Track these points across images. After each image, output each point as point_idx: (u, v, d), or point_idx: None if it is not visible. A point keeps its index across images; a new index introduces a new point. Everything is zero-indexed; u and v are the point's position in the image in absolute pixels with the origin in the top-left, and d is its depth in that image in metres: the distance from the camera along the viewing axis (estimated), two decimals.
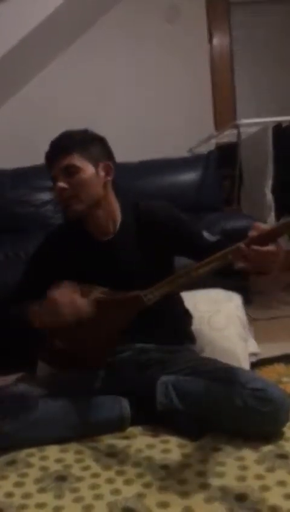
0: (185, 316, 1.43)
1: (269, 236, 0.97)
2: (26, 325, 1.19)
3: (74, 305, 1.13)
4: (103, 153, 1.26)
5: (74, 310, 1.13)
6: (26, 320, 1.18)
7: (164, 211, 1.30)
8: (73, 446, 1.17)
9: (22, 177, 2.39)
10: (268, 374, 1.51)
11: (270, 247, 0.97)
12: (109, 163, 1.26)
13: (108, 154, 1.28)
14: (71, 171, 1.21)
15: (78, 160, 1.21)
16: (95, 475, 1.06)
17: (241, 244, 0.98)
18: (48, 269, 1.30)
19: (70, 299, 1.13)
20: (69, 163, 1.21)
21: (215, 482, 1.00)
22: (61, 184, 1.21)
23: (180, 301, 1.43)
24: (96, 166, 1.24)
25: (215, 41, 2.96)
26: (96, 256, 1.27)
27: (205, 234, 1.28)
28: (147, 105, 2.86)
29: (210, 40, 2.95)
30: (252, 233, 0.99)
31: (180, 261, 1.34)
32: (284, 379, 1.48)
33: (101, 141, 1.28)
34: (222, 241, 1.26)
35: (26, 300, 1.23)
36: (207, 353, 1.45)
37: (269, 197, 2.16)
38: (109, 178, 1.27)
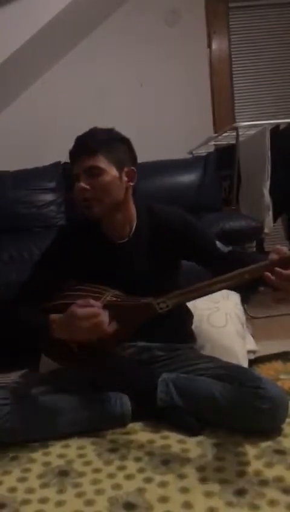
0: (187, 315, 1.45)
1: None
2: (39, 331, 1.16)
3: (97, 328, 1.07)
4: (127, 155, 1.24)
5: (97, 333, 1.08)
6: (41, 326, 1.15)
7: (177, 216, 1.29)
8: (75, 442, 1.18)
9: (24, 178, 2.40)
10: (266, 371, 1.53)
11: None
12: (133, 168, 1.25)
13: (132, 157, 1.26)
14: (95, 173, 1.18)
15: (103, 162, 1.19)
16: (97, 470, 1.07)
17: (261, 266, 0.97)
18: (59, 267, 1.28)
19: (95, 322, 1.07)
20: (93, 164, 1.18)
21: (214, 477, 1.01)
22: (83, 185, 1.18)
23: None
24: (120, 170, 1.22)
25: (214, 45, 2.98)
26: (110, 258, 1.27)
27: (218, 244, 1.27)
28: (148, 108, 2.87)
29: (209, 44, 2.97)
30: (274, 256, 0.98)
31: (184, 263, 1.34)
32: (282, 376, 1.49)
33: (126, 143, 1.26)
34: (234, 252, 1.26)
35: (35, 299, 1.23)
36: (206, 350, 1.47)
37: (267, 197, 2.18)
38: (131, 183, 1.25)
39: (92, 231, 1.29)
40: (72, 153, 1.22)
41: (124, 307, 1.15)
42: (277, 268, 0.96)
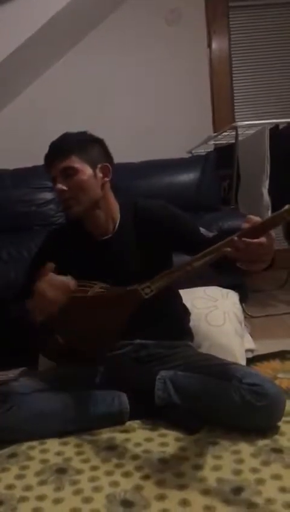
0: (184, 313, 1.45)
1: (262, 229, 0.98)
2: (27, 321, 1.19)
3: (54, 285, 1.12)
4: (101, 154, 1.28)
5: (56, 289, 1.12)
6: (26, 316, 1.18)
7: (160, 208, 1.32)
8: (73, 439, 1.18)
9: (23, 176, 2.40)
10: (264, 369, 1.54)
11: (262, 239, 0.98)
12: (107, 164, 1.28)
13: (106, 155, 1.30)
14: (69, 173, 1.23)
15: (76, 162, 1.23)
16: (95, 468, 1.07)
17: (234, 237, 0.99)
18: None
19: (55, 281, 1.12)
20: (67, 165, 1.23)
21: (211, 475, 1.01)
22: (60, 186, 1.24)
23: (179, 298, 1.45)
24: (94, 167, 1.26)
25: (214, 44, 2.98)
26: (95, 255, 1.29)
27: (202, 230, 1.30)
28: (148, 107, 2.88)
29: (209, 44, 2.98)
30: (245, 225, 1.00)
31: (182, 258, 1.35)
32: (280, 375, 1.50)
33: (99, 143, 1.30)
34: (218, 236, 1.26)
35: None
36: (204, 349, 1.47)
37: (266, 196, 2.18)
38: (107, 179, 1.28)
39: (77, 230, 1.32)
40: (47, 158, 1.27)
41: (111, 297, 1.18)
42: (245, 238, 0.97)
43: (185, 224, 1.32)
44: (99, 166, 1.26)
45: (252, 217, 1.01)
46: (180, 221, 1.32)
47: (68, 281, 1.13)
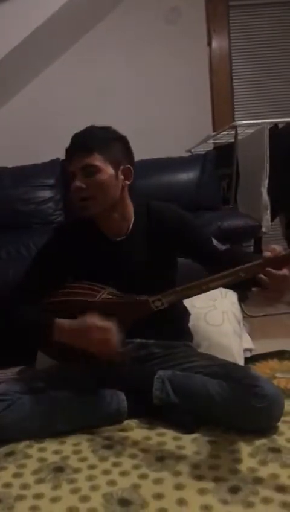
0: (184, 313, 1.45)
1: (284, 260, 0.97)
2: (42, 331, 1.18)
3: (106, 344, 1.12)
4: (124, 155, 1.24)
5: (104, 348, 1.12)
6: (42, 328, 1.17)
7: (173, 213, 1.30)
8: (71, 438, 1.18)
9: (22, 175, 2.40)
10: (262, 369, 1.54)
11: (285, 271, 0.96)
12: (130, 166, 1.25)
13: (129, 156, 1.26)
14: (91, 171, 1.18)
15: (99, 161, 1.18)
16: (92, 466, 1.07)
17: (255, 265, 0.97)
18: (56, 265, 1.29)
19: (107, 338, 1.11)
20: (89, 162, 1.18)
21: (209, 474, 1.01)
22: (79, 183, 1.19)
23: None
24: (116, 168, 1.22)
25: (214, 43, 2.98)
26: (107, 255, 1.27)
27: (215, 242, 1.28)
28: (147, 106, 2.87)
29: (209, 43, 2.97)
30: (267, 254, 0.98)
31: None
32: (278, 375, 1.50)
33: (122, 141, 1.26)
34: (230, 250, 1.26)
35: (32, 296, 1.23)
36: (203, 348, 1.47)
37: (265, 196, 2.18)
38: (128, 182, 1.25)
39: (89, 229, 1.29)
40: (69, 151, 1.22)
41: (119, 305, 1.16)
42: (269, 269, 0.96)
43: (196, 231, 1.30)
44: (121, 168, 1.22)
45: (274, 246, 1.00)
46: (192, 228, 1.30)
47: (117, 342, 1.12)
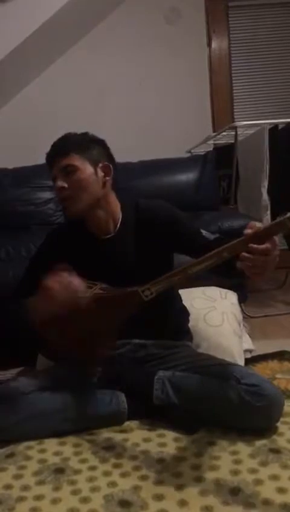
0: (183, 313, 1.45)
1: (265, 235, 0.98)
2: (25, 320, 1.18)
3: (70, 290, 1.10)
4: (102, 154, 1.28)
5: (72, 294, 1.10)
6: (25, 314, 1.17)
7: (162, 209, 1.32)
8: (71, 439, 1.18)
9: (22, 176, 2.41)
10: (262, 370, 1.54)
11: (267, 245, 0.97)
12: (108, 164, 1.28)
13: (107, 156, 1.30)
14: (70, 170, 1.23)
15: (76, 160, 1.24)
16: (92, 468, 1.07)
17: (237, 242, 0.98)
18: (48, 266, 1.29)
19: (65, 282, 1.10)
20: (67, 163, 1.23)
21: (209, 475, 1.01)
22: (60, 183, 1.23)
23: (179, 299, 1.45)
24: (95, 166, 1.26)
25: (214, 44, 2.98)
26: (96, 254, 1.29)
27: (204, 232, 1.30)
28: (147, 106, 2.88)
29: (209, 43, 2.97)
30: (248, 231, 0.99)
31: (181, 258, 1.35)
32: (278, 375, 1.50)
33: (100, 143, 1.30)
34: (220, 239, 1.26)
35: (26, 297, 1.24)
36: (203, 349, 1.47)
37: (265, 196, 2.18)
38: (108, 178, 1.28)
39: (78, 229, 1.32)
40: (48, 157, 1.28)
41: (110, 298, 1.17)
42: (252, 244, 0.97)
43: (186, 225, 1.32)
44: (100, 165, 1.27)
45: (254, 222, 1.01)
46: (181, 222, 1.32)
47: (78, 282, 1.11)
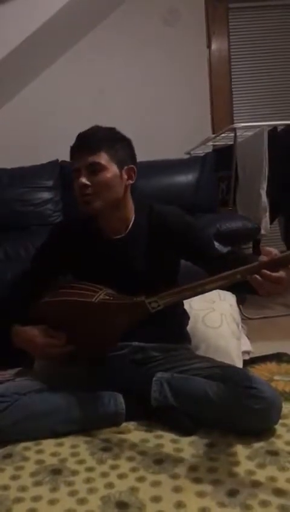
0: (183, 316, 1.45)
1: (280, 263, 0.98)
2: (24, 321, 1.22)
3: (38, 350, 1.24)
4: (128, 155, 1.26)
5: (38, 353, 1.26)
6: (23, 315, 1.22)
7: (176, 216, 1.30)
8: (68, 440, 1.18)
9: (21, 176, 2.40)
10: (260, 372, 1.54)
11: (281, 273, 0.97)
12: (133, 166, 1.27)
13: (132, 157, 1.28)
14: (96, 169, 1.20)
15: (104, 159, 1.21)
16: (90, 469, 1.07)
17: (251, 267, 0.98)
18: (54, 260, 1.31)
19: (34, 344, 1.23)
20: (95, 160, 1.20)
21: (207, 477, 1.01)
22: (84, 180, 1.20)
23: (181, 303, 1.44)
24: (121, 168, 1.24)
25: (214, 45, 2.99)
26: (105, 253, 1.28)
27: (216, 245, 1.29)
28: (146, 108, 2.88)
29: (209, 45, 2.98)
30: (263, 258, 0.99)
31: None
32: (276, 377, 1.50)
33: (127, 142, 1.28)
34: (232, 253, 1.27)
35: (28, 293, 1.26)
36: (201, 351, 1.47)
37: (264, 198, 2.19)
38: (131, 182, 1.27)
39: (88, 226, 1.30)
40: (74, 149, 1.24)
41: (116, 306, 1.16)
42: (265, 271, 0.97)
43: (199, 235, 1.31)
44: (125, 167, 1.25)
45: (270, 249, 1.00)
46: (194, 232, 1.31)
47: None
